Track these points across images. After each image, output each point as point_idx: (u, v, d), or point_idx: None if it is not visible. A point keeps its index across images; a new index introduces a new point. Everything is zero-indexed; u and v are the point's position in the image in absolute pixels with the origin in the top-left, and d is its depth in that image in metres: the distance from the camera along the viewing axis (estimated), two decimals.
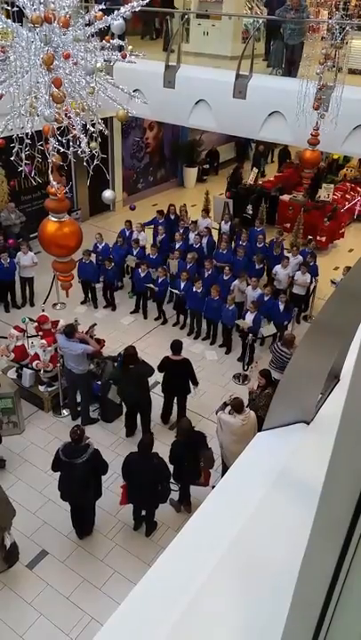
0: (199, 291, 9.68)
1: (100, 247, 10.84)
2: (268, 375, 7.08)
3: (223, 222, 12.23)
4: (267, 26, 10.28)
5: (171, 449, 6.34)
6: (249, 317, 9.11)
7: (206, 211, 12.65)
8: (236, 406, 6.34)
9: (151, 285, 10.23)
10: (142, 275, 10.26)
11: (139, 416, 7.75)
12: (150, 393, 7.72)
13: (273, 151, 18.95)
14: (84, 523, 6.34)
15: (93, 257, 10.66)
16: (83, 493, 5.97)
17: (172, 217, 12.26)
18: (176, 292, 10.12)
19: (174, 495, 6.62)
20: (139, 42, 12.37)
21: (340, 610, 0.90)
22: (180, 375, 7.70)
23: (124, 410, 7.92)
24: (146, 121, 15.09)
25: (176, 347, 7.66)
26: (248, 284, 9.78)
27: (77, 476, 5.79)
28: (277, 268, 10.33)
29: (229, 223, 12.09)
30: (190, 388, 7.85)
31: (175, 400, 8.01)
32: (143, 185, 16.45)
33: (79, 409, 8.05)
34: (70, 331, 7.53)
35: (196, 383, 7.83)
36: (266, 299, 9.50)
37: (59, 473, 6.05)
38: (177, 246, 11.15)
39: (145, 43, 12.46)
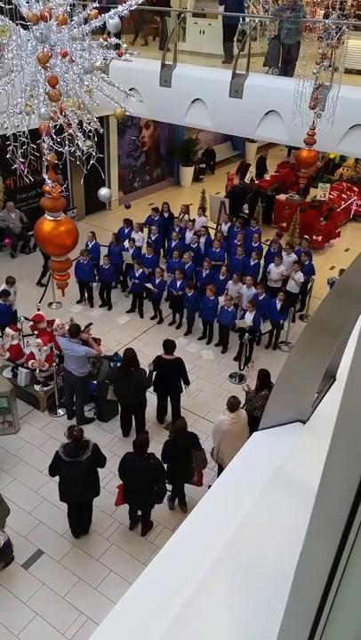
0: (190, 294, 9.70)
1: (90, 245, 10.77)
2: (265, 376, 7.09)
3: (223, 223, 12.24)
4: (224, 25, 10.15)
5: (163, 448, 6.35)
6: (249, 317, 9.11)
7: (202, 209, 12.63)
8: (230, 405, 6.36)
9: (149, 285, 10.22)
10: (137, 274, 10.25)
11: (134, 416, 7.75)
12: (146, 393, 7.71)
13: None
14: (83, 521, 6.35)
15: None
16: (85, 490, 6.00)
17: (167, 215, 12.24)
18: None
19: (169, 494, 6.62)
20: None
21: (337, 608, 0.90)
22: (172, 375, 7.69)
23: (120, 409, 7.91)
24: (142, 120, 15.06)
25: (169, 346, 7.64)
26: (243, 284, 9.79)
27: (83, 473, 5.83)
28: (271, 266, 10.36)
29: (229, 224, 12.09)
30: (182, 388, 7.85)
31: (169, 400, 8.01)
32: (139, 184, 16.43)
33: (75, 408, 8.04)
34: (75, 330, 7.51)
35: (187, 382, 7.83)
36: (261, 298, 9.49)
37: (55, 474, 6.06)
38: (173, 245, 11.15)
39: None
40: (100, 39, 3.04)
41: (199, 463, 6.45)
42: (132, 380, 7.37)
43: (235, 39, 9.97)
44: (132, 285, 10.59)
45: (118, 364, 8.19)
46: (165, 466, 6.23)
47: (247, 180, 15.28)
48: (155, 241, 11.39)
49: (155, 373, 7.60)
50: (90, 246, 10.73)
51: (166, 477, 6.29)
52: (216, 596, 1.39)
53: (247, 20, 10.72)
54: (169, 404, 8.05)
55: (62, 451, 5.86)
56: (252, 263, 10.55)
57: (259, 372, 7.20)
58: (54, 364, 8.01)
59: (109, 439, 7.70)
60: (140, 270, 10.22)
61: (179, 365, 7.68)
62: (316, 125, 6.23)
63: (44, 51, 2.57)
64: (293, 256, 10.59)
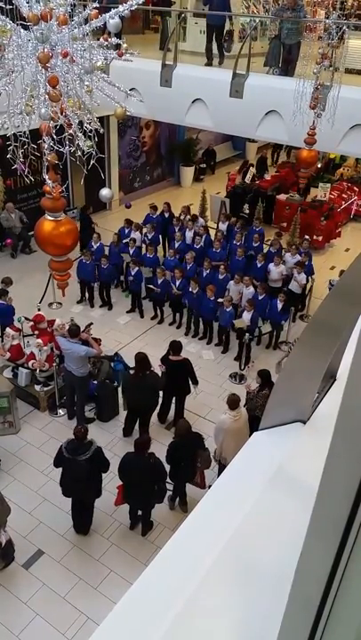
0: (195, 292, 9.69)
1: (95, 247, 10.78)
2: (265, 375, 7.09)
3: (221, 222, 12.23)
4: (207, 26, 10.09)
5: (168, 449, 6.35)
6: (246, 316, 9.11)
7: (194, 216, 12.57)
8: (230, 403, 6.37)
9: (152, 286, 10.22)
10: (132, 272, 10.24)
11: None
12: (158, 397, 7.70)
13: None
14: (83, 517, 6.35)
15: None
16: (84, 490, 6.00)
17: (167, 215, 12.23)
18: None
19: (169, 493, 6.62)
20: (139, 36, 12.37)
21: (337, 608, 0.90)
22: (180, 375, 7.67)
23: (123, 411, 7.90)
24: (142, 120, 15.07)
25: (176, 347, 7.63)
26: (244, 284, 9.79)
27: (80, 472, 5.83)
28: (271, 266, 10.36)
29: (227, 223, 12.09)
30: (191, 388, 7.84)
31: (174, 400, 8.00)
32: (140, 184, 16.43)
33: (75, 408, 8.04)
34: (75, 330, 7.51)
35: (196, 382, 7.82)
36: (260, 297, 9.49)
37: (57, 470, 6.06)
38: (176, 245, 11.15)
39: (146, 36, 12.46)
40: (101, 39, 3.04)
41: (203, 463, 6.46)
42: (146, 384, 7.29)
43: (221, 39, 9.94)
44: (130, 284, 10.58)
45: (120, 366, 8.19)
46: (169, 466, 6.24)
47: (248, 179, 15.29)
48: (151, 239, 11.37)
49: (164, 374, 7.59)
50: (94, 247, 10.74)
51: (170, 476, 6.29)
52: (216, 595, 1.39)
53: (247, 19, 10.72)
54: (172, 404, 8.04)
55: (65, 446, 5.89)
56: (258, 265, 10.53)
57: (259, 372, 7.20)
58: (54, 364, 8.01)
59: (109, 439, 7.70)
60: (136, 269, 10.20)
61: (186, 366, 7.67)
62: (317, 125, 6.23)
63: (45, 51, 2.57)
64: (297, 257, 10.58)
